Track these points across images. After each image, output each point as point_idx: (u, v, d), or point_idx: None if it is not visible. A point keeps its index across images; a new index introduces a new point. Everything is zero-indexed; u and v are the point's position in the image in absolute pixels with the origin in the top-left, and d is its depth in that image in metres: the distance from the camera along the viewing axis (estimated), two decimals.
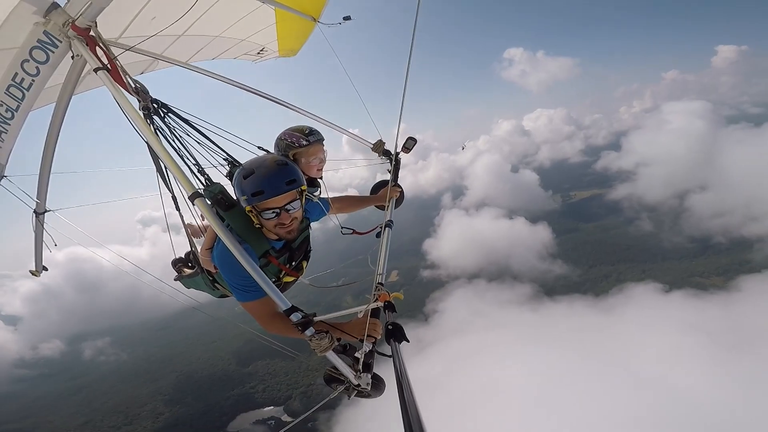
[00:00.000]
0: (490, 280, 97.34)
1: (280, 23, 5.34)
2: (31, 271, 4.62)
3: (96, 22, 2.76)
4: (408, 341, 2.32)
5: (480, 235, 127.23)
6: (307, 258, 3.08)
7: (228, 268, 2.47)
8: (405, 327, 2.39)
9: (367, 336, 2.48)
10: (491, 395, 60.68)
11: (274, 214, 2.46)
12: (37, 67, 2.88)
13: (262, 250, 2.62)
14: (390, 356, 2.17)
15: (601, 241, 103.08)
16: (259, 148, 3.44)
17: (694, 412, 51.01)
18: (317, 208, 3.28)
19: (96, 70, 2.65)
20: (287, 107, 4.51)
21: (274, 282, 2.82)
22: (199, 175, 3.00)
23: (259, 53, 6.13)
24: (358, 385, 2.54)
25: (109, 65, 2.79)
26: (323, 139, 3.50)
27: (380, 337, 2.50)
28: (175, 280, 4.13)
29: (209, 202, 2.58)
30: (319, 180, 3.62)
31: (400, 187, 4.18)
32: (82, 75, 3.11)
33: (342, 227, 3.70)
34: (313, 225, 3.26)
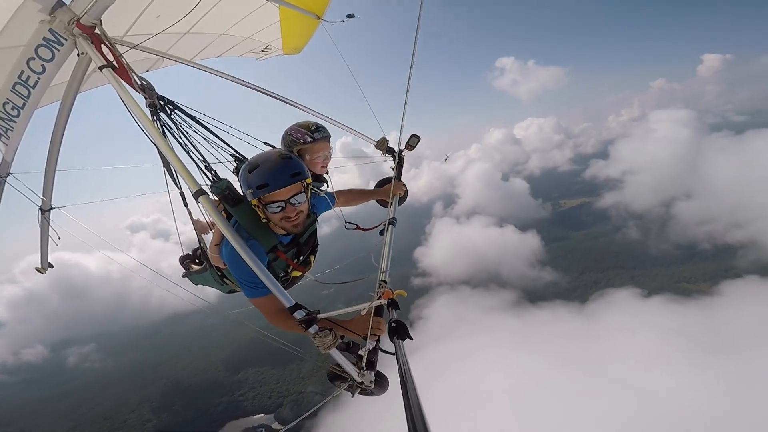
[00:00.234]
0: (477, 286, 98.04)
1: (284, 21, 5.33)
2: (37, 268, 4.65)
3: (101, 20, 2.77)
4: (412, 339, 2.32)
5: (470, 243, 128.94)
6: (314, 252, 3.10)
7: (236, 264, 2.49)
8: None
9: (371, 333, 2.48)
10: (472, 401, 60.82)
11: (280, 208, 2.48)
12: (42, 65, 2.90)
13: (270, 245, 2.64)
14: (394, 354, 2.17)
15: (590, 248, 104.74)
16: (265, 143, 3.46)
17: (674, 415, 51.75)
18: (323, 202, 3.28)
19: (101, 68, 2.65)
20: (291, 105, 4.53)
21: (282, 277, 2.85)
22: (206, 171, 3.01)
23: (263, 51, 6.13)
24: (362, 383, 2.53)
25: (115, 63, 2.80)
26: (329, 136, 3.51)
27: (384, 334, 2.51)
28: (182, 276, 4.15)
29: (216, 198, 2.62)
30: (325, 176, 3.63)
31: (403, 184, 4.18)
32: (88, 73, 3.13)
33: (346, 222, 3.71)
34: (323, 223, 3.27)
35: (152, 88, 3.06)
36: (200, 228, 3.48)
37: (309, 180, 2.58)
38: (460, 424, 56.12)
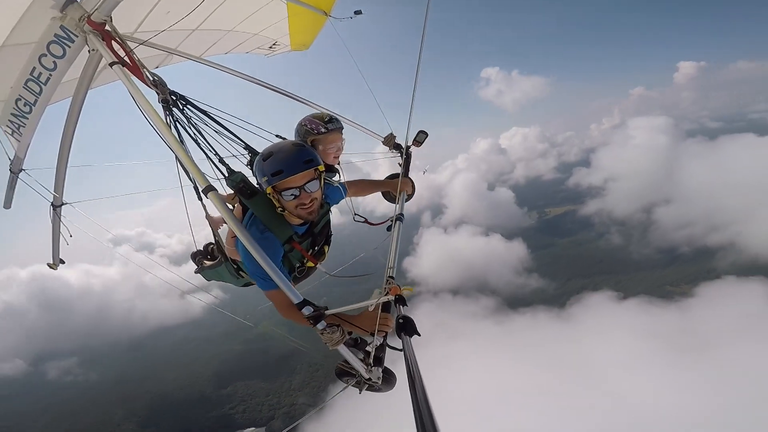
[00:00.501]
0: (457, 294, 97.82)
1: (292, 17, 5.34)
2: (48, 264, 4.69)
3: (111, 17, 2.78)
4: (419, 335, 2.31)
5: (458, 252, 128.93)
6: (328, 243, 3.14)
7: (249, 257, 2.51)
8: None
9: (378, 330, 2.48)
10: (447, 408, 60.00)
11: (293, 196, 2.52)
12: (54, 62, 2.92)
13: (286, 236, 2.68)
14: (401, 350, 2.17)
15: (576, 255, 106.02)
16: (276, 136, 3.50)
17: (649, 415, 52.13)
18: (336, 192, 3.32)
19: (111, 65, 2.66)
20: (299, 101, 4.53)
21: (298, 267, 2.89)
22: (219, 165, 3.04)
23: (271, 47, 6.14)
24: (369, 379, 2.54)
25: (126, 59, 2.82)
26: (342, 128, 3.59)
27: (391, 330, 2.50)
28: (195, 273, 4.19)
29: (231, 191, 2.68)
30: (336, 166, 3.70)
31: (411, 180, 4.17)
32: (99, 69, 3.15)
33: (355, 214, 3.77)
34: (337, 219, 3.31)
35: (164, 84, 3.10)
36: (216, 221, 3.52)
37: (322, 168, 2.61)
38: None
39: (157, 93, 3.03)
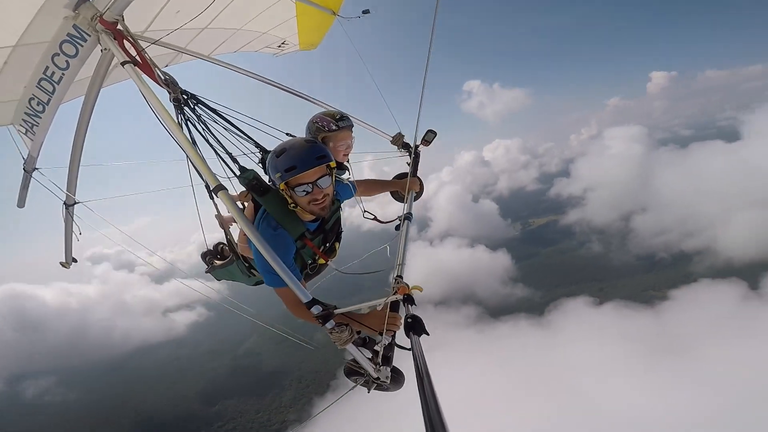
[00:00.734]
0: (444, 305, 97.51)
1: (300, 16, 5.35)
2: (61, 263, 4.73)
3: (123, 16, 2.81)
4: (428, 334, 2.30)
5: (444, 264, 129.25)
6: (339, 239, 3.15)
7: (260, 255, 2.52)
8: None
9: (387, 329, 2.48)
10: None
11: (305, 192, 2.54)
12: (66, 61, 2.95)
13: (298, 233, 2.69)
14: (410, 349, 2.16)
15: (558, 264, 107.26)
16: (287, 134, 3.51)
17: (625, 416, 52.82)
18: (347, 189, 3.34)
19: (123, 64, 2.68)
20: (307, 100, 4.54)
21: (309, 264, 2.91)
22: (231, 163, 3.06)
23: (279, 46, 6.15)
24: (378, 378, 2.54)
25: (138, 58, 2.84)
26: (352, 126, 3.59)
27: (400, 330, 2.50)
28: (206, 272, 4.22)
29: (243, 189, 2.72)
30: (346, 164, 3.70)
31: (420, 179, 4.16)
32: (111, 68, 3.17)
33: (364, 211, 3.77)
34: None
35: (175, 83, 3.11)
36: (227, 220, 3.54)
37: (333, 164, 2.62)
38: None
39: (168, 92, 3.05)
